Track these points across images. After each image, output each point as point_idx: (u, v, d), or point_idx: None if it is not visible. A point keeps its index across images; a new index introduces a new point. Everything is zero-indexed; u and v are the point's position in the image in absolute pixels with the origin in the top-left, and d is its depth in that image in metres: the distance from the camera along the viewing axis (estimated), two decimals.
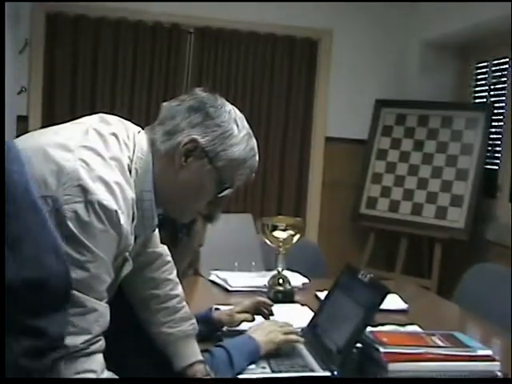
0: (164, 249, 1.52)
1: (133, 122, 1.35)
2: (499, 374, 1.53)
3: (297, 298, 2.34)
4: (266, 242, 2.40)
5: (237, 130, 1.29)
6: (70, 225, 1.11)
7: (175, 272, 1.53)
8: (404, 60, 4.55)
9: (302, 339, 1.71)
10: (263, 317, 1.90)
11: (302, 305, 2.23)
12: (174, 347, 1.45)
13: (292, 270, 2.52)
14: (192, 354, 1.45)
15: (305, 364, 1.60)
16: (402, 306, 2.27)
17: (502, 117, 3.99)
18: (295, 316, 2.04)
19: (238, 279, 2.50)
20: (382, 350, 1.52)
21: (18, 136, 1.30)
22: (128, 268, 1.31)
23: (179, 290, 1.51)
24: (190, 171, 1.28)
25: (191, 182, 1.29)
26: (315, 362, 1.61)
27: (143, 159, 1.26)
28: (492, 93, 4.15)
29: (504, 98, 3.98)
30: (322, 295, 2.08)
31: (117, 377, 1.19)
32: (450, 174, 4.04)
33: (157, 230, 1.45)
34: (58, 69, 4.14)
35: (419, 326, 1.95)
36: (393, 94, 4.48)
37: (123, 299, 1.41)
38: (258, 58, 4.39)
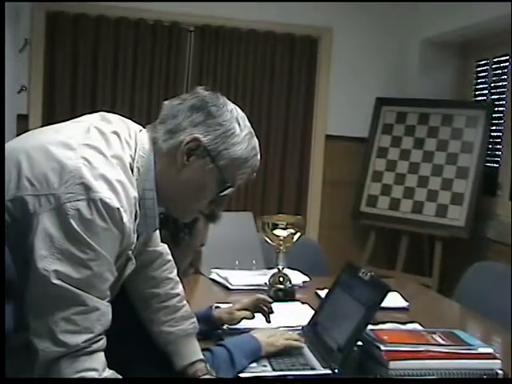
0: (164, 248, 1.52)
1: (133, 121, 1.34)
2: (500, 372, 1.53)
3: (297, 296, 2.34)
4: (266, 241, 2.40)
5: (239, 129, 1.29)
6: (73, 223, 1.10)
7: (175, 271, 1.52)
8: (404, 58, 4.54)
9: (303, 344, 1.71)
10: (263, 314, 1.90)
11: (303, 303, 2.23)
12: (174, 346, 1.45)
13: (292, 269, 2.52)
14: (193, 352, 1.45)
15: (306, 362, 1.61)
16: (403, 304, 2.27)
17: (502, 115, 3.98)
18: (296, 314, 2.04)
19: (239, 278, 2.50)
20: (382, 348, 1.53)
21: (18, 135, 1.29)
22: (131, 267, 1.31)
23: (180, 288, 1.51)
24: (191, 170, 1.27)
25: (193, 181, 1.28)
26: (316, 360, 1.61)
27: (145, 158, 1.25)
28: (492, 91, 4.15)
29: (504, 96, 3.97)
30: (323, 293, 2.08)
31: (118, 375, 1.19)
32: (450, 172, 4.03)
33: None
34: (58, 68, 4.13)
35: (420, 324, 1.96)
36: (393, 92, 4.47)
37: (125, 298, 1.41)
38: (258, 56, 4.39)
